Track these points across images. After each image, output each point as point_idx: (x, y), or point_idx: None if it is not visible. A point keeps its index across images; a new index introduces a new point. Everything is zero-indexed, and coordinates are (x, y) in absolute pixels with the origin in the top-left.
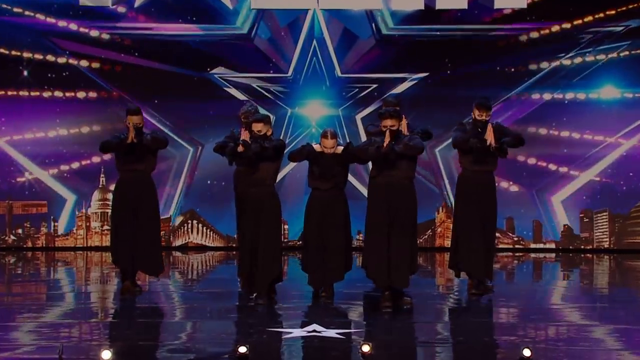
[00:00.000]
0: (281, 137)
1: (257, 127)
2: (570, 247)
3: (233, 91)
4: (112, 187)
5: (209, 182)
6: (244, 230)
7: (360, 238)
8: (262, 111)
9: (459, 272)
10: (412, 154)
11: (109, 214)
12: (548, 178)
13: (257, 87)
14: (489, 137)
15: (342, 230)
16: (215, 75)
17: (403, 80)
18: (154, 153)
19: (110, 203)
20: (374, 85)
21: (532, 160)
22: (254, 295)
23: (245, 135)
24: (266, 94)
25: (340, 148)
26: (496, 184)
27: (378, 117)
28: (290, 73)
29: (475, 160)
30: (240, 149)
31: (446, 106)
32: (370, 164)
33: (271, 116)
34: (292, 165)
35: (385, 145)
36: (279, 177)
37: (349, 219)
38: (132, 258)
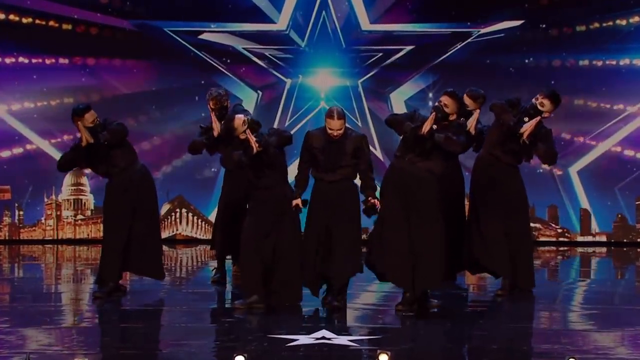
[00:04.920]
0: (278, 115)
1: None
2: (625, 240)
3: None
4: (87, 170)
5: (199, 164)
6: (252, 232)
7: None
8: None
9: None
10: (448, 149)
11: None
12: (597, 160)
13: (242, 51)
14: (527, 129)
15: (351, 229)
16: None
17: (465, 36)
18: (121, 146)
19: (84, 189)
20: (409, 48)
21: (578, 139)
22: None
23: (216, 126)
24: (254, 58)
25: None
26: (520, 171)
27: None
28: (285, 27)
29: (500, 143)
30: (255, 150)
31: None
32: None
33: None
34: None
35: (425, 128)
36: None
37: (359, 216)
38: (119, 258)
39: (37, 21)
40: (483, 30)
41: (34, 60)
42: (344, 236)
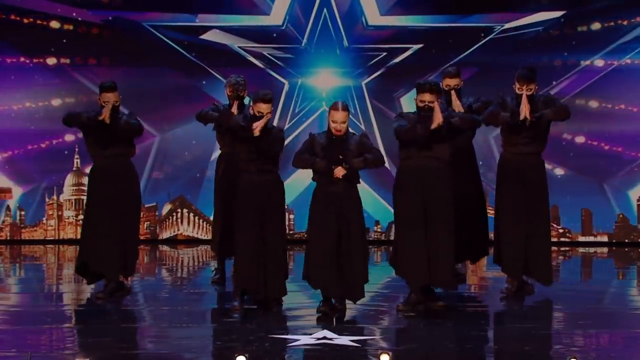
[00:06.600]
0: (276, 117)
1: (263, 108)
2: (626, 241)
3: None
4: (88, 170)
5: (200, 164)
6: (244, 225)
7: (379, 229)
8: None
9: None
10: (469, 127)
11: (84, 205)
12: (599, 159)
13: (239, 49)
14: (524, 109)
15: (359, 235)
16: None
17: (486, 32)
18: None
19: (86, 189)
20: (417, 46)
21: (580, 139)
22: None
23: (235, 110)
24: (250, 57)
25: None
26: (545, 166)
27: (415, 89)
28: (281, 22)
29: (512, 133)
30: (257, 132)
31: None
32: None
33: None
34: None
35: (435, 123)
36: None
37: (363, 220)
38: (115, 258)
39: (38, 21)
40: (507, 26)
41: (35, 61)
42: (355, 247)
